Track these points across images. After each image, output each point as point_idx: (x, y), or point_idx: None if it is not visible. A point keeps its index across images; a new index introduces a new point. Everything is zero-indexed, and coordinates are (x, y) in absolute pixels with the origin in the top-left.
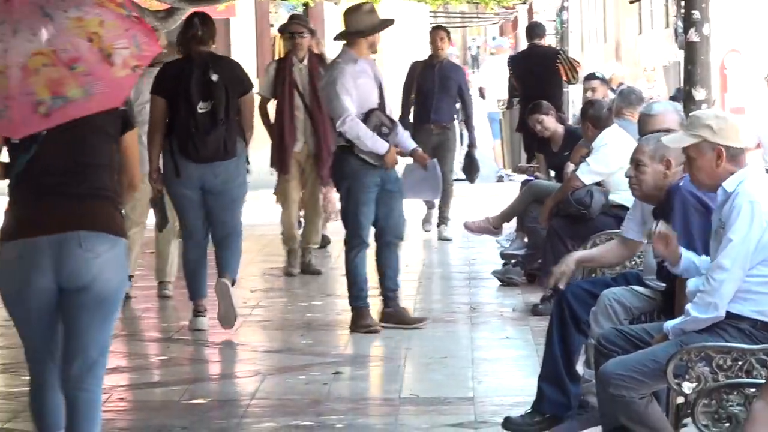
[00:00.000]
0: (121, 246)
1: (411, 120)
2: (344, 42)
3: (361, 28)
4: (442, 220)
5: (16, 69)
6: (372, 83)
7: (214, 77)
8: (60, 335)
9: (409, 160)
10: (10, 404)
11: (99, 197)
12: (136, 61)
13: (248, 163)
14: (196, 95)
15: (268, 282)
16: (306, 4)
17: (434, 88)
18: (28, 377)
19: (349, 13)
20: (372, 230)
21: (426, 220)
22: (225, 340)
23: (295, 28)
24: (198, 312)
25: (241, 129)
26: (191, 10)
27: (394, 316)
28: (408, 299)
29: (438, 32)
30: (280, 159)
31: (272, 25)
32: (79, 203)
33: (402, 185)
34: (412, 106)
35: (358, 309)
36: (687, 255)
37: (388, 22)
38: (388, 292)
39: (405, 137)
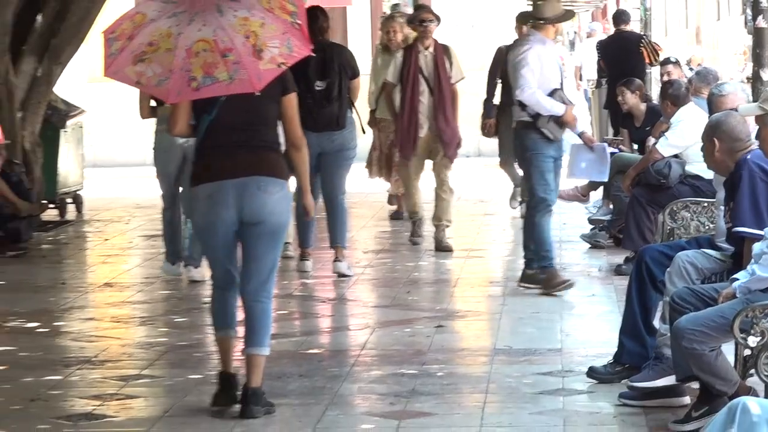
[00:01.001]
0: (286, 188)
1: (496, 102)
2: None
3: (549, 15)
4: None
5: (182, 50)
6: (555, 66)
7: (331, 61)
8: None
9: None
10: (147, 353)
11: (269, 149)
12: (283, 59)
13: (364, 132)
14: (314, 75)
15: (378, 244)
16: None
17: None
18: (164, 329)
19: (540, 1)
20: None
21: (513, 197)
22: (338, 297)
23: (424, 16)
24: (303, 257)
25: (352, 104)
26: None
27: (532, 278)
28: (511, 261)
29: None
30: (403, 142)
31: (384, 13)
32: (255, 153)
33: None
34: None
35: (548, 269)
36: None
37: (570, 13)
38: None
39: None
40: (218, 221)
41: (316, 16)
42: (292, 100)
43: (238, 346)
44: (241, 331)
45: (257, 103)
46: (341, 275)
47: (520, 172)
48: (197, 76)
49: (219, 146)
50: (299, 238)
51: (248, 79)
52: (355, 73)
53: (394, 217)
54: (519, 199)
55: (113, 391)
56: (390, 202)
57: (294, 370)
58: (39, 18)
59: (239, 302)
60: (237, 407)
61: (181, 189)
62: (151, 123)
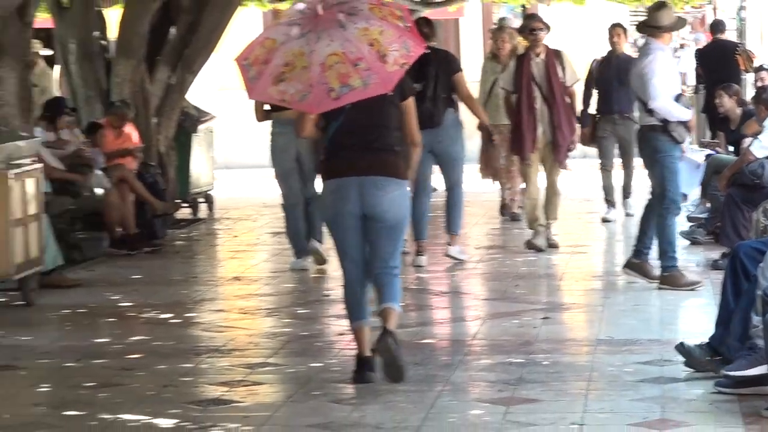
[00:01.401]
0: (404, 187)
1: (592, 111)
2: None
3: (666, 24)
4: (626, 194)
5: (317, 65)
6: (676, 72)
7: (428, 65)
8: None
9: None
10: (272, 342)
11: (389, 151)
12: (403, 59)
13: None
14: (411, 77)
15: (490, 240)
16: (523, 6)
17: (613, 81)
18: (287, 320)
19: (655, 10)
20: None
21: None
22: (451, 290)
23: (534, 25)
24: (419, 252)
25: (452, 102)
26: (425, 12)
27: (640, 267)
28: (612, 257)
29: (615, 29)
30: (518, 146)
31: (495, 24)
32: (375, 155)
33: None
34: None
35: (674, 269)
36: None
37: (683, 21)
38: (644, 249)
39: None
40: (344, 214)
41: (419, 24)
42: (410, 105)
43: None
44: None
45: (379, 109)
46: (454, 259)
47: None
48: (335, 87)
49: (344, 147)
50: (413, 231)
51: (380, 82)
52: (454, 69)
53: (505, 215)
54: (609, 206)
55: (240, 377)
56: (503, 206)
57: (409, 358)
58: (173, 30)
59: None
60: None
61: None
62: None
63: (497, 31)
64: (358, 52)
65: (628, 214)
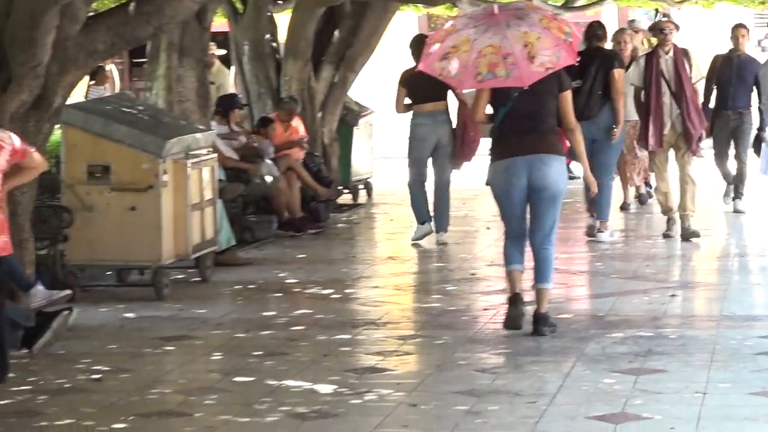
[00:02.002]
0: (563, 163)
1: (711, 106)
2: None
3: None
4: (738, 195)
5: (474, 52)
6: None
7: (591, 64)
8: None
9: None
10: (422, 316)
11: (549, 132)
12: (550, 65)
13: (617, 124)
14: (574, 75)
15: (623, 224)
16: (656, 9)
17: (732, 78)
18: (437, 296)
19: None
20: None
21: (726, 194)
22: (586, 270)
23: (664, 24)
24: (600, 230)
25: (606, 98)
26: (567, 15)
27: None
28: (737, 240)
29: (739, 29)
30: (645, 138)
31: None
32: (539, 136)
33: None
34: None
35: None
36: None
37: None
38: None
39: None
40: (512, 188)
41: (594, 27)
42: (566, 96)
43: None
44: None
45: (541, 98)
46: (602, 242)
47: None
48: (482, 72)
49: (512, 131)
50: (598, 211)
51: (519, 77)
52: (612, 66)
53: (623, 208)
54: (732, 195)
55: (393, 348)
56: (639, 195)
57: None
58: (336, 33)
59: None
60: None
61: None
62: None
63: (618, 33)
64: (510, 48)
65: (738, 211)
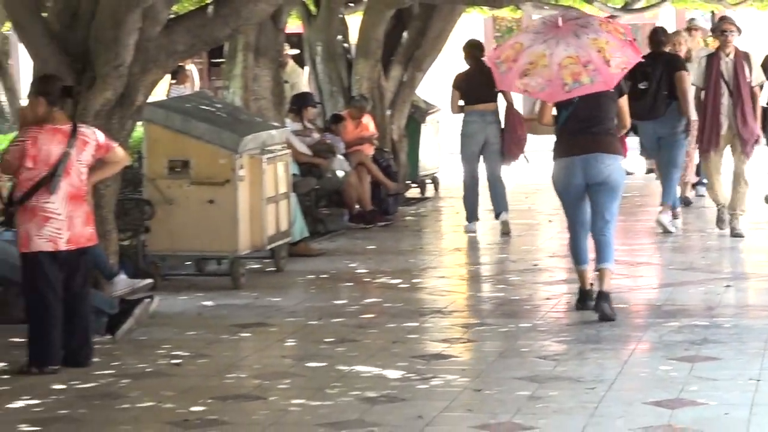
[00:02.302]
0: (619, 160)
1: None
2: None
3: None
4: None
5: (555, 65)
6: None
7: (655, 67)
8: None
9: None
10: (486, 305)
11: (607, 134)
12: (623, 65)
13: (687, 121)
14: (639, 77)
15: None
16: (712, 11)
17: None
18: (500, 285)
19: None
20: None
21: None
22: (644, 262)
23: (725, 26)
24: (675, 216)
25: (671, 98)
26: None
27: None
28: None
29: None
30: (705, 139)
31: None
32: (597, 137)
33: None
34: None
35: None
36: None
37: None
38: None
39: None
40: (570, 184)
41: (657, 33)
42: (624, 100)
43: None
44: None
45: (601, 103)
46: (662, 226)
47: None
48: (568, 82)
49: (573, 131)
50: (664, 197)
51: (603, 81)
52: (676, 68)
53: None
54: None
55: (458, 335)
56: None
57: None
58: (405, 35)
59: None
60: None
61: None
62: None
63: (673, 35)
64: (588, 56)
65: None
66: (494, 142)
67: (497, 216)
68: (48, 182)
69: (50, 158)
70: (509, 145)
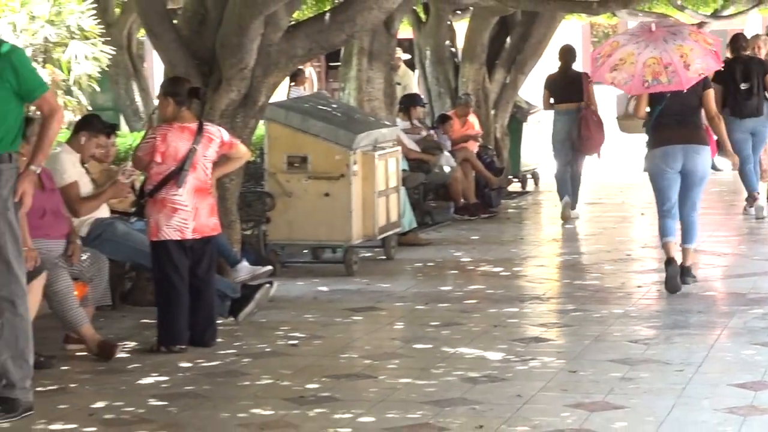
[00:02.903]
0: (708, 151)
1: None
2: None
3: None
4: None
5: (640, 64)
6: None
7: (750, 69)
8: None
9: None
10: (582, 292)
11: (696, 126)
12: (702, 70)
13: None
14: (740, 79)
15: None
16: None
17: None
18: (595, 274)
19: None
20: None
21: None
22: (730, 252)
23: None
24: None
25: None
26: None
27: None
28: None
29: None
30: None
31: None
32: (687, 129)
33: None
34: None
35: None
36: None
37: None
38: None
39: None
40: (666, 170)
41: (737, 39)
42: (709, 93)
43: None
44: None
45: (688, 98)
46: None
47: None
48: (648, 80)
49: (666, 125)
50: (747, 186)
51: (679, 82)
52: (765, 72)
53: None
54: None
55: (555, 320)
56: None
57: (694, 307)
58: (508, 39)
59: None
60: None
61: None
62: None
63: (752, 39)
64: (670, 59)
65: None
66: (576, 138)
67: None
68: (176, 176)
69: (178, 154)
70: (581, 141)
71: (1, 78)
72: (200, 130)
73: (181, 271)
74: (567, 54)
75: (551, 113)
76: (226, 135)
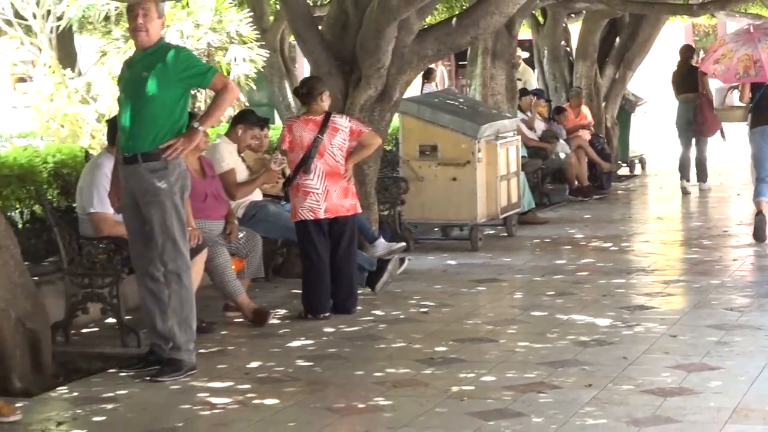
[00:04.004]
0: None
1: None
2: None
3: None
4: None
5: (735, 59)
6: None
7: None
8: None
9: None
10: (683, 264)
11: None
12: None
13: None
14: None
15: None
16: None
17: None
18: (696, 248)
19: None
20: None
21: None
22: None
23: None
24: None
25: None
26: None
27: None
28: None
29: None
30: None
31: None
32: None
33: None
34: None
35: None
36: None
37: None
38: None
39: None
40: (763, 146)
41: None
42: None
43: None
44: None
45: None
46: None
47: None
48: (739, 72)
49: (763, 107)
50: None
51: (764, 75)
52: None
53: None
54: None
55: (659, 290)
56: None
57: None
58: (617, 39)
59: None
60: None
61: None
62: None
63: None
64: (759, 56)
65: None
66: (698, 123)
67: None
68: (305, 163)
69: (303, 143)
70: (699, 125)
71: (171, 75)
72: (326, 121)
73: (319, 248)
74: (686, 52)
75: (661, 104)
76: (354, 124)
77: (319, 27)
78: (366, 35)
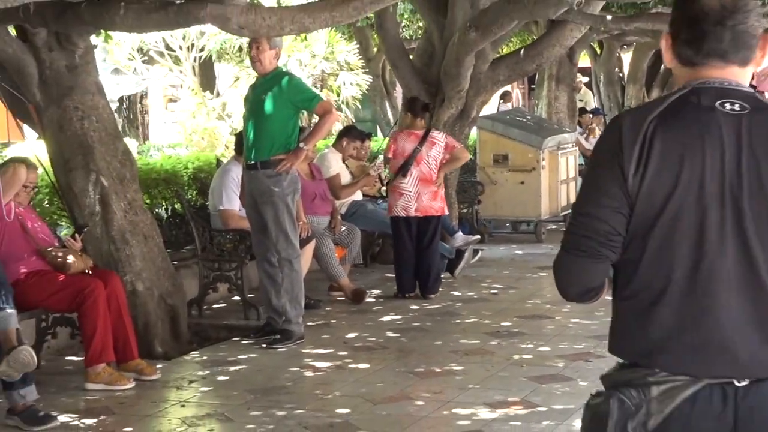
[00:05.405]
0: None
1: None
2: None
3: None
4: None
5: None
6: None
7: None
8: None
9: None
10: None
11: None
12: None
13: None
14: None
15: None
16: None
17: None
18: None
19: None
20: None
21: None
22: None
23: None
24: None
25: None
26: None
27: None
28: None
29: None
30: None
31: None
32: None
33: None
34: None
35: None
36: None
37: None
38: None
39: None
40: None
41: None
42: None
43: None
44: None
45: None
46: None
47: None
48: None
49: None
50: None
51: None
52: None
53: None
54: None
55: None
56: None
57: None
58: (662, 66)
59: None
60: None
61: None
62: None
63: None
64: None
65: None
66: None
67: None
68: (403, 169)
69: (405, 152)
70: None
71: (284, 98)
72: (425, 135)
73: (406, 240)
74: None
75: None
76: (449, 140)
77: (410, 57)
78: (448, 64)
